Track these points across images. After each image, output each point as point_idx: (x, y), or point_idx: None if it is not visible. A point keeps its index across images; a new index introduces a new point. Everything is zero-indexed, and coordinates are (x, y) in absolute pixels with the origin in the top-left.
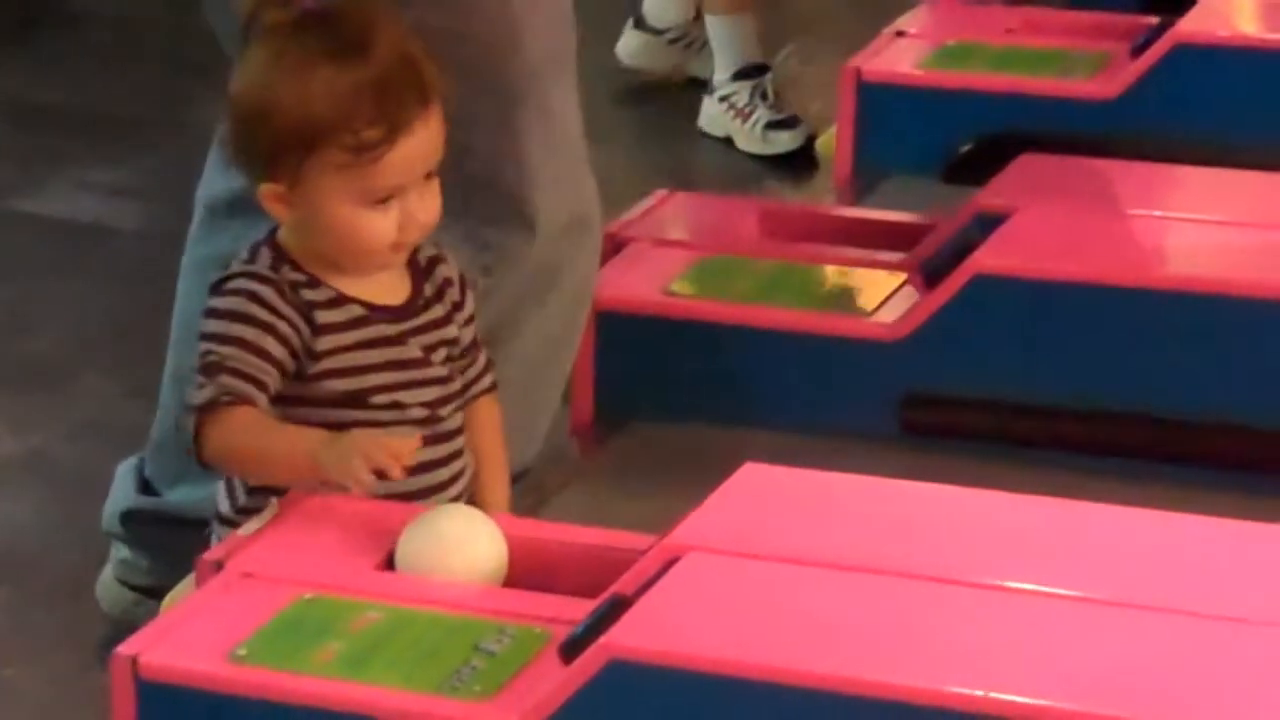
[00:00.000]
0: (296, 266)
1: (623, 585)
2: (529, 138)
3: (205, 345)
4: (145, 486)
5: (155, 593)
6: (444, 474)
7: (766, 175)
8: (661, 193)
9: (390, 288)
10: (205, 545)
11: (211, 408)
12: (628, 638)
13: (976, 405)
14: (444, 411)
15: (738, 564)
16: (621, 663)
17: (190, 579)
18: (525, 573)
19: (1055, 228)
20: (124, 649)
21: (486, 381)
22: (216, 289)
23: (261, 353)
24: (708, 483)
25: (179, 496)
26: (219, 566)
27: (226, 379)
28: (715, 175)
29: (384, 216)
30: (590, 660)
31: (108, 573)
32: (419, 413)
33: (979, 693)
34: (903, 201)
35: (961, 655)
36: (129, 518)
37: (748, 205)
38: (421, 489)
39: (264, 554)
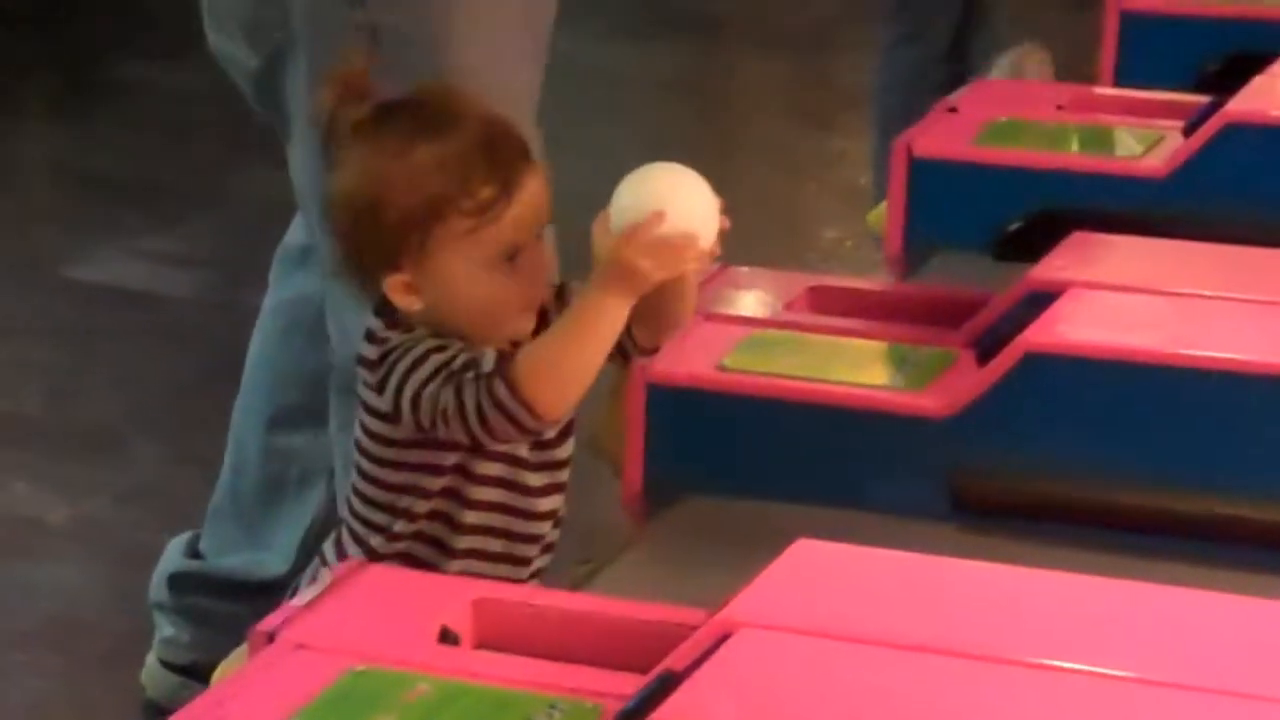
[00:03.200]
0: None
1: (673, 661)
2: None
3: (421, 371)
4: (195, 554)
5: (198, 672)
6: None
7: (819, 249)
8: (714, 267)
9: None
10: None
11: (500, 368)
12: (677, 715)
13: (1027, 483)
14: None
15: (789, 641)
16: None
17: (242, 650)
18: (575, 647)
19: (1107, 306)
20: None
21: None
22: (392, 349)
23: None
24: (759, 558)
25: (229, 563)
26: (271, 637)
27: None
28: (768, 249)
29: (512, 278)
30: None
31: (151, 658)
32: (537, 479)
33: None
34: (953, 278)
35: None
36: (175, 582)
37: (799, 280)
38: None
39: (317, 625)
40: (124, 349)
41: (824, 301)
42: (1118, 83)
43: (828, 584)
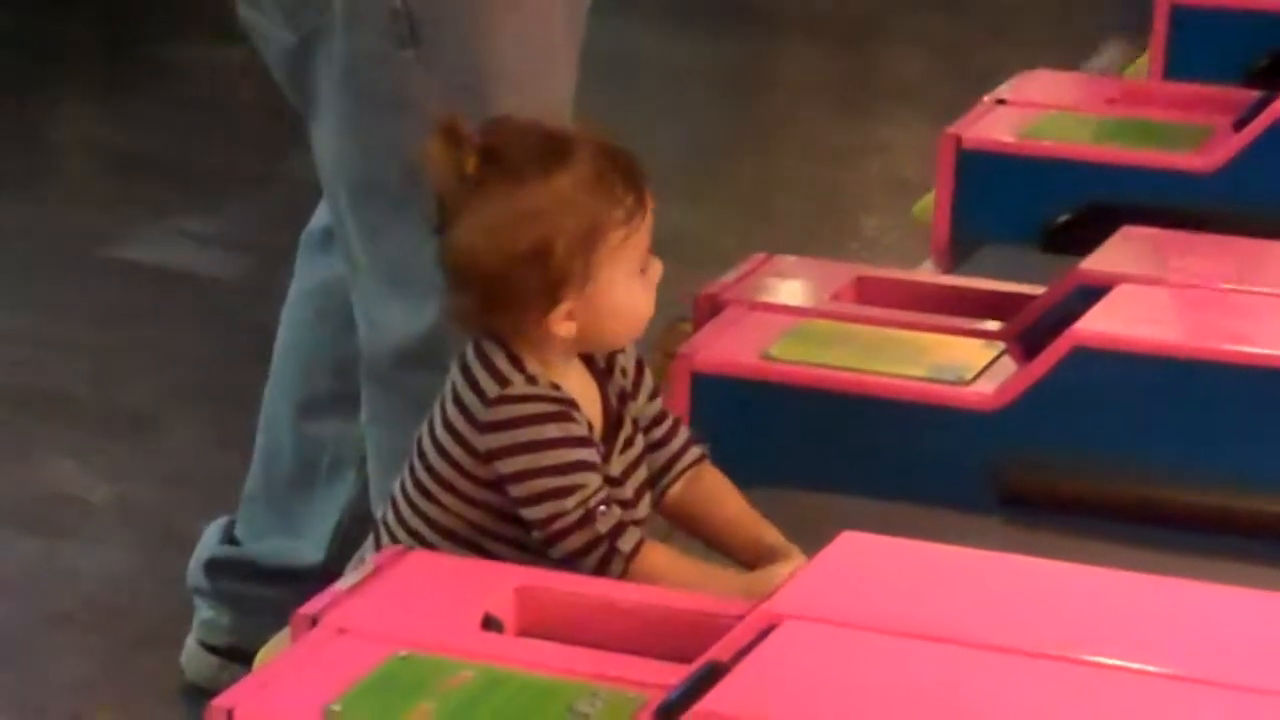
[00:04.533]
0: (533, 379)
1: (718, 652)
2: None
3: (556, 480)
4: (231, 539)
5: (237, 655)
6: None
7: (863, 239)
8: (759, 256)
9: (588, 398)
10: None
11: (632, 556)
12: (722, 705)
13: (1074, 477)
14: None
15: (834, 633)
16: None
17: (284, 634)
18: (619, 635)
19: (1156, 301)
20: (220, 702)
21: (695, 452)
22: (516, 420)
23: (599, 468)
24: (804, 549)
25: (264, 549)
26: (314, 621)
27: (615, 517)
28: (812, 239)
29: (646, 284)
30: None
31: (191, 641)
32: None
33: None
34: (1000, 270)
35: None
36: (212, 567)
37: (845, 270)
38: None
39: (360, 610)
40: (167, 330)
41: (871, 292)
42: (1167, 76)
43: (873, 576)
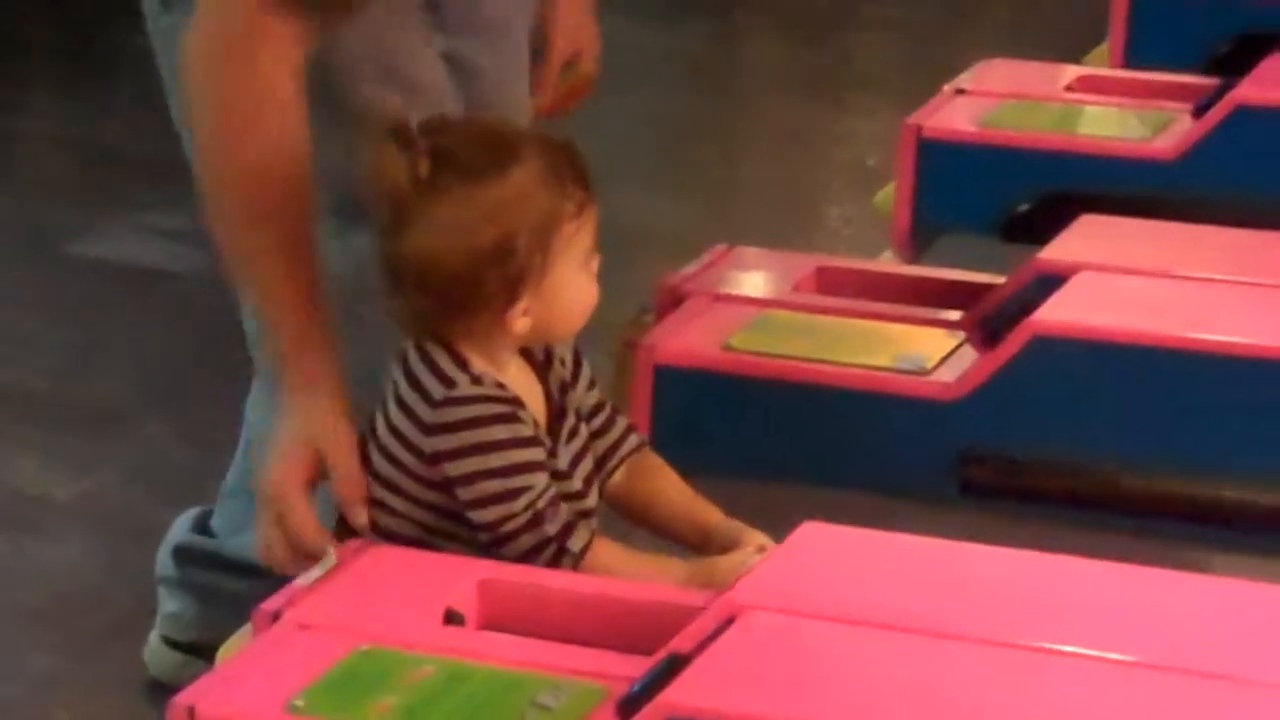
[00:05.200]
0: (479, 379)
1: (680, 643)
2: None
3: (504, 482)
4: (203, 530)
5: (200, 650)
6: None
7: (826, 229)
8: (721, 247)
9: (531, 393)
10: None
11: (582, 555)
12: (685, 696)
13: (1034, 466)
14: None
15: (796, 623)
16: None
17: (246, 629)
18: (581, 628)
19: (1115, 289)
20: (181, 698)
21: (634, 439)
22: (462, 423)
23: (546, 466)
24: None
25: (237, 543)
26: (276, 617)
27: (564, 517)
28: (775, 229)
29: (590, 274)
30: (648, 718)
31: (154, 636)
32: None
33: None
34: (961, 259)
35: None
36: (180, 555)
37: (807, 261)
38: None
39: (322, 605)
40: (132, 326)
41: (832, 282)
42: (1127, 64)
43: (834, 566)
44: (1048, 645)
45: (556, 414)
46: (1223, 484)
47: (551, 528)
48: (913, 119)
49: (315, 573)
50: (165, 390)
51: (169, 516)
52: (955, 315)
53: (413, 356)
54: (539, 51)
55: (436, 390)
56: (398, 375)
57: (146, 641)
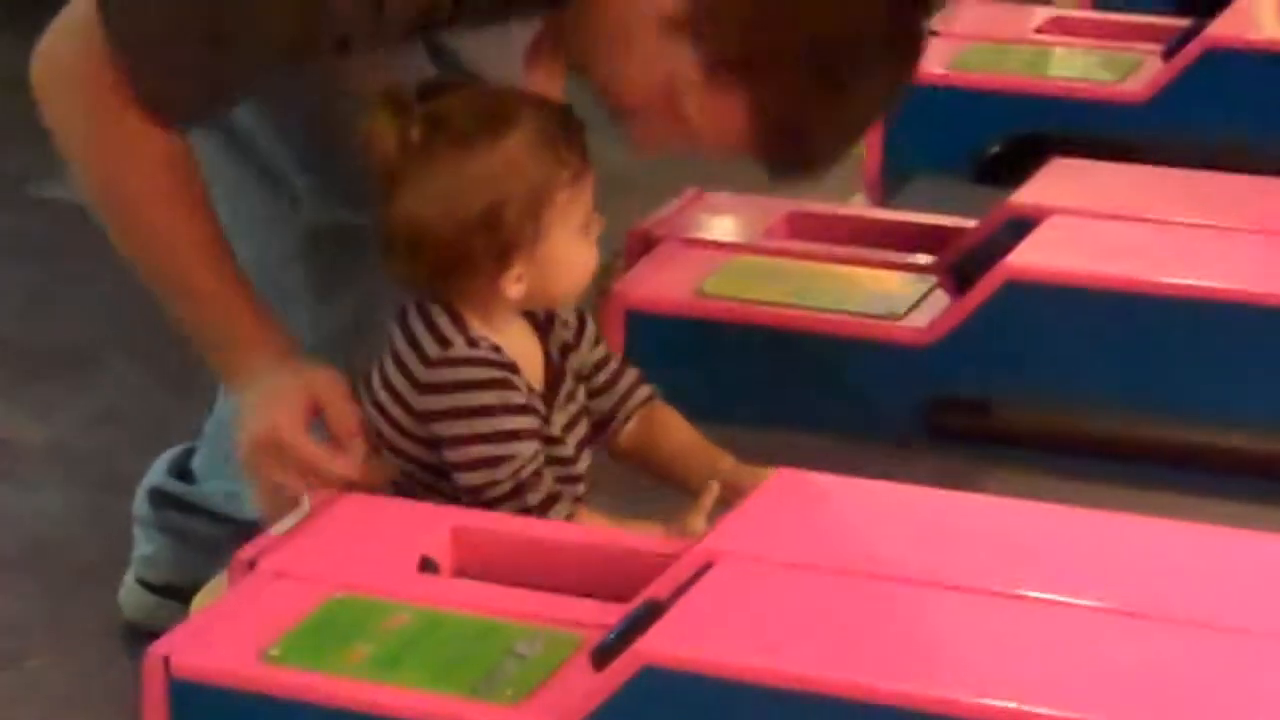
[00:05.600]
0: (475, 342)
1: (655, 590)
2: None
3: (491, 448)
4: (182, 473)
5: (175, 593)
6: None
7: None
8: (691, 192)
9: (530, 356)
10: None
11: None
12: (661, 644)
13: (1006, 411)
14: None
15: (771, 571)
16: (654, 669)
17: (221, 578)
18: (555, 575)
19: (1087, 233)
20: (156, 648)
21: (644, 391)
22: (454, 385)
23: (536, 435)
24: None
25: (210, 488)
26: (251, 565)
27: (546, 489)
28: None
29: (589, 241)
30: (623, 667)
31: (128, 577)
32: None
33: (1010, 704)
34: (931, 202)
35: (992, 667)
36: (155, 496)
37: (777, 205)
38: None
39: (297, 554)
40: (98, 268)
41: (803, 227)
42: (1097, 5)
43: (809, 514)
44: (1023, 592)
45: (555, 377)
46: (1197, 428)
47: (533, 497)
48: None
49: (289, 521)
50: (134, 331)
51: (141, 460)
52: (927, 260)
53: (411, 313)
54: None
55: (432, 349)
56: (394, 331)
57: (121, 584)
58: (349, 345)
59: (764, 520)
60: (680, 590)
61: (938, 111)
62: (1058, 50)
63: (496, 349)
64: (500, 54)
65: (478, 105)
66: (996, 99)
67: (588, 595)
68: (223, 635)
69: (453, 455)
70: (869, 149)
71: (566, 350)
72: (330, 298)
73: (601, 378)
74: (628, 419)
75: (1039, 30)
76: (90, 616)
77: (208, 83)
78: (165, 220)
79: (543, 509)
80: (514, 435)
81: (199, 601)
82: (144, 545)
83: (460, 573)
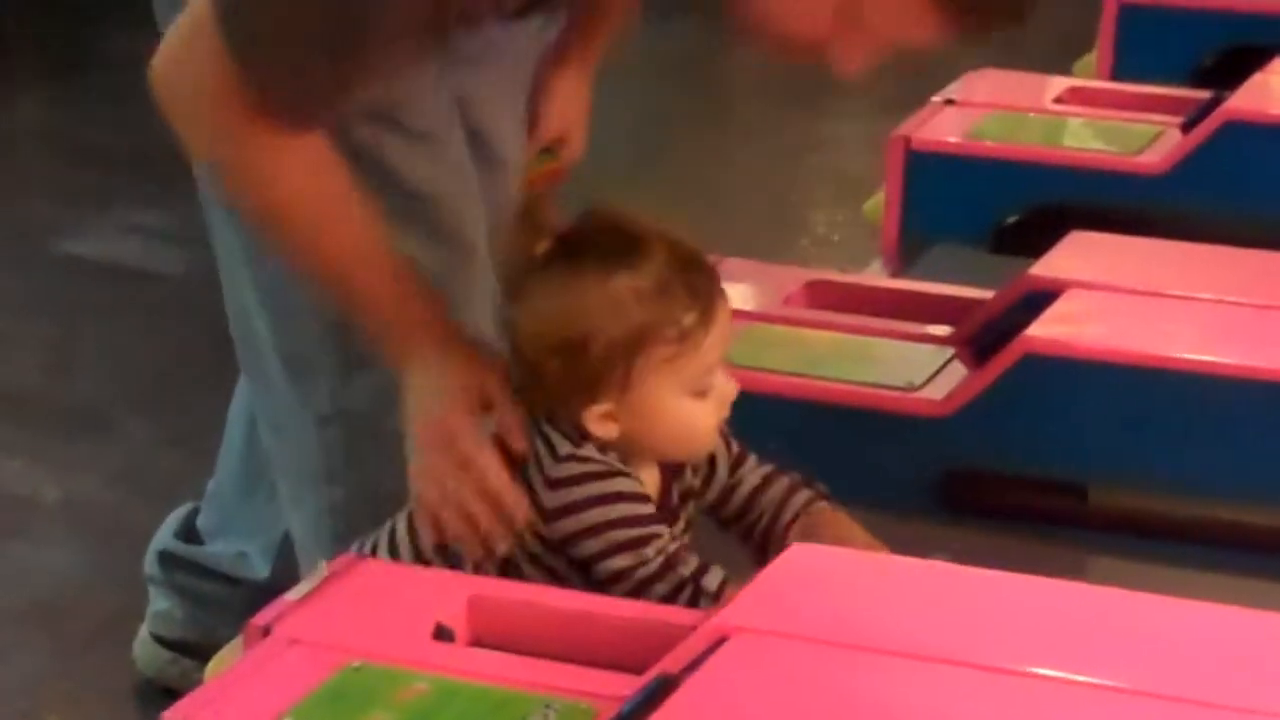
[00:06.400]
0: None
1: (669, 664)
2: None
3: (632, 531)
4: (189, 534)
5: (189, 649)
6: None
7: (812, 236)
8: (711, 259)
9: (648, 484)
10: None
11: (718, 595)
12: (674, 719)
13: (1022, 485)
14: None
15: (785, 646)
16: None
17: (236, 642)
18: (570, 645)
19: (1106, 307)
20: (171, 715)
21: (804, 495)
22: (586, 476)
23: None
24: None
25: (217, 549)
26: (266, 631)
27: (695, 560)
28: (760, 235)
29: (708, 401)
30: None
31: (143, 631)
32: None
33: None
34: (949, 271)
35: None
36: (164, 559)
37: (797, 274)
38: None
39: (312, 620)
40: (115, 325)
41: (822, 296)
42: (1115, 76)
43: (824, 588)
44: (1039, 670)
45: (667, 515)
46: (1214, 505)
47: (685, 569)
48: (901, 130)
49: (306, 586)
50: (148, 391)
51: (153, 518)
52: (944, 331)
53: (544, 422)
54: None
55: (563, 445)
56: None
57: (135, 637)
58: (372, 419)
59: (779, 595)
60: (694, 664)
61: (956, 181)
62: (1076, 120)
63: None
64: (509, 118)
65: (610, 238)
66: (1014, 168)
67: (603, 666)
68: (237, 702)
69: (594, 545)
70: (888, 216)
71: (688, 496)
72: (356, 371)
73: (754, 492)
74: (792, 521)
75: (1057, 100)
76: (103, 673)
77: (332, 78)
78: (316, 224)
79: (698, 576)
80: (651, 519)
81: (214, 666)
82: (159, 602)
83: (476, 641)
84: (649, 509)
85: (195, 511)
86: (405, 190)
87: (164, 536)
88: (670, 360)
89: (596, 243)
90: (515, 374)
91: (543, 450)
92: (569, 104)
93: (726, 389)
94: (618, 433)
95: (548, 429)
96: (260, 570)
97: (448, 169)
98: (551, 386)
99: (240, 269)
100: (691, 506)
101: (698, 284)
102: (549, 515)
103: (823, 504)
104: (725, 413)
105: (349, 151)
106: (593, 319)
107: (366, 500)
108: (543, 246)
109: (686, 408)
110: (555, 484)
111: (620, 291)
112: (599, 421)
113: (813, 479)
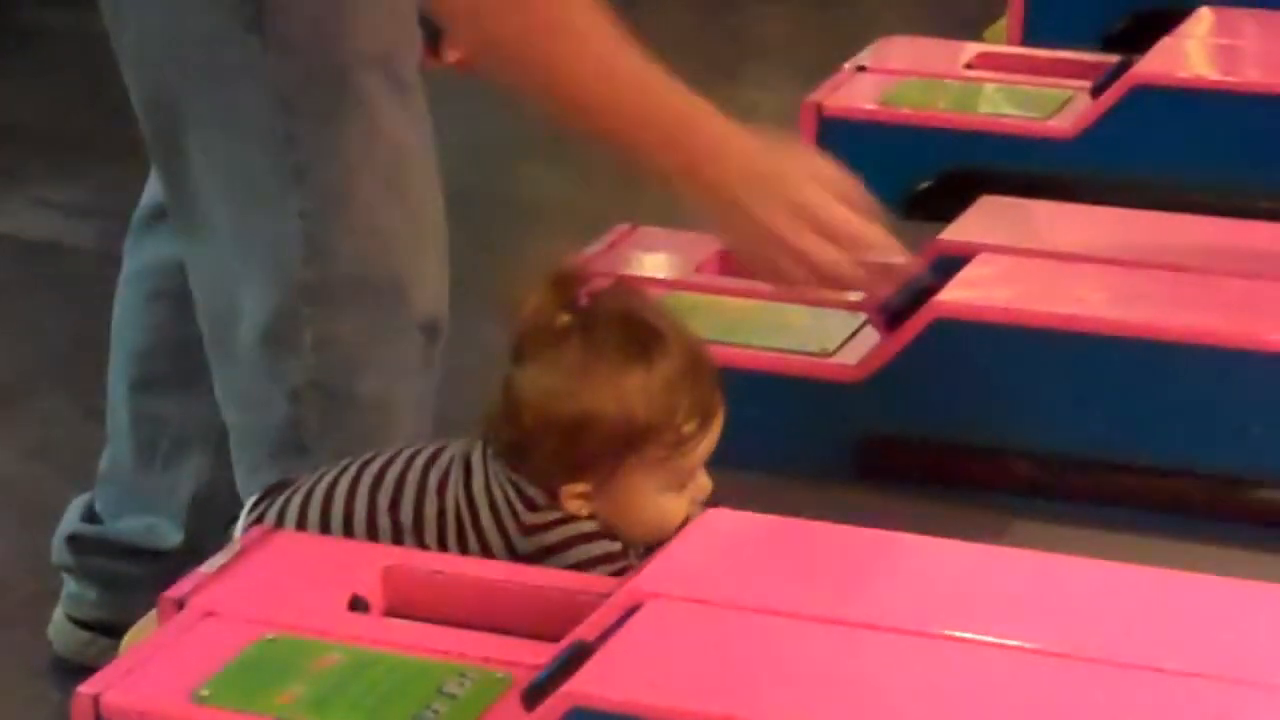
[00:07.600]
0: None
1: (584, 631)
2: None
3: (604, 545)
4: (91, 516)
5: (105, 628)
6: None
7: None
8: (623, 227)
9: None
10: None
11: None
12: (590, 685)
13: (935, 449)
14: None
15: (700, 611)
16: (584, 710)
17: (151, 616)
18: (486, 614)
19: (1016, 272)
20: (86, 688)
21: None
22: (563, 519)
23: None
24: None
25: (123, 527)
26: (181, 604)
27: None
28: (677, 205)
29: (682, 497)
30: (552, 707)
31: (59, 612)
32: None
33: None
34: None
35: (919, 710)
36: (73, 543)
37: (709, 241)
38: None
39: (226, 592)
40: (27, 302)
41: (735, 263)
42: (1026, 41)
43: (739, 553)
44: (957, 634)
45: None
46: (1126, 468)
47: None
48: (814, 97)
49: (220, 559)
50: (63, 366)
51: (70, 495)
52: (856, 297)
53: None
54: None
55: (537, 495)
56: (498, 485)
57: (51, 619)
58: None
59: (692, 560)
60: (609, 631)
61: (869, 148)
62: (987, 86)
63: None
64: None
65: (631, 329)
66: (926, 135)
67: (519, 633)
68: (153, 675)
69: (569, 559)
70: None
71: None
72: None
73: None
74: None
75: (969, 66)
76: (20, 651)
77: None
78: (556, 54)
79: None
80: (626, 556)
81: (129, 640)
82: (72, 585)
83: (391, 611)
84: (620, 548)
85: (94, 499)
86: (391, 142)
87: (70, 521)
88: (662, 461)
89: (614, 331)
90: (504, 429)
91: (514, 496)
92: None
93: (703, 484)
94: (589, 512)
95: (517, 478)
96: (173, 538)
97: (420, 119)
98: (537, 455)
99: (227, 243)
100: None
101: (703, 394)
102: (525, 560)
103: None
104: (697, 508)
105: (345, 97)
106: (597, 408)
107: None
108: (562, 320)
109: (663, 502)
110: (531, 529)
111: (630, 389)
112: (573, 499)
113: None
